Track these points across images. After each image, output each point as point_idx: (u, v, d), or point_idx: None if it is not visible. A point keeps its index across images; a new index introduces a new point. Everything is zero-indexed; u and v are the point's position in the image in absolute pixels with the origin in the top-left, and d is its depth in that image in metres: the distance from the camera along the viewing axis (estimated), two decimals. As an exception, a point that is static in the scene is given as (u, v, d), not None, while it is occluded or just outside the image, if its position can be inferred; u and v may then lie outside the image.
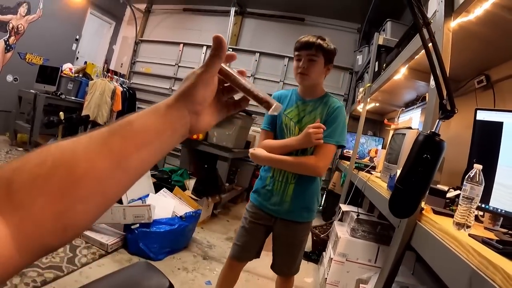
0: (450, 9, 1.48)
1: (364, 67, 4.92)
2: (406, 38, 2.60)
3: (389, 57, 3.30)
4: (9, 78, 6.29)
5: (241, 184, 5.66)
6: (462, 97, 2.60)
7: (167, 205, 3.33)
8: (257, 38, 7.46)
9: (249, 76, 7.02)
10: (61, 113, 4.59)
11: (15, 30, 6.22)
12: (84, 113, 5.68)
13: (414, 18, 1.09)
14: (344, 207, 2.95)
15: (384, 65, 3.43)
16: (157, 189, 3.73)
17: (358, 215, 2.63)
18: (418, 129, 2.26)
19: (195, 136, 4.65)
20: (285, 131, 1.92)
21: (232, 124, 4.59)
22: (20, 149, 5.58)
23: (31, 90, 5.77)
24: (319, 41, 1.86)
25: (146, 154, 0.52)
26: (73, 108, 6.02)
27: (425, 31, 1.01)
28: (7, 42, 6.15)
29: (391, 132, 4.31)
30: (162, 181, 4.14)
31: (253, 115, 5.31)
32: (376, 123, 5.61)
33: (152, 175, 4.19)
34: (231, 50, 6.62)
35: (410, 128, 2.29)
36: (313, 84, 1.92)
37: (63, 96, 5.86)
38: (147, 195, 3.44)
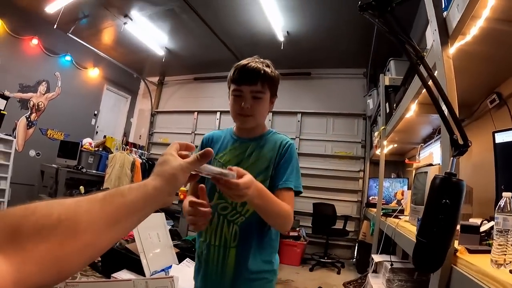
0: (445, 36, 1.43)
1: (376, 110, 4.87)
2: (409, 75, 2.55)
3: (398, 96, 3.25)
4: (32, 153, 6.50)
5: None
6: (478, 120, 2.50)
7: (190, 276, 3.18)
8: None
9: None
10: (81, 187, 4.65)
11: (36, 107, 6.54)
12: (105, 185, 5.77)
13: (407, 57, 1.04)
14: (376, 258, 2.75)
15: (395, 105, 3.37)
16: (180, 259, 3.59)
17: (391, 264, 2.43)
18: (439, 164, 2.13)
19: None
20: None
21: None
22: (44, 221, 5.56)
23: (53, 165, 5.92)
24: (264, 69, 1.41)
25: (134, 219, 0.66)
26: (94, 181, 6.11)
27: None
28: (29, 119, 6.45)
29: (414, 172, 4.16)
30: (185, 251, 3.99)
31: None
32: (398, 164, 5.44)
33: (175, 245, 4.06)
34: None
35: (431, 164, 2.17)
36: (257, 124, 1.51)
37: (84, 170, 5.96)
38: (170, 266, 3.29)
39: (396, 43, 0.94)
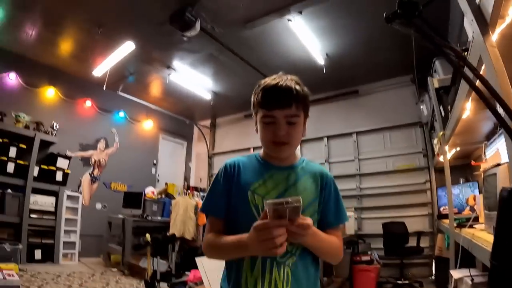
0: (484, 24, 1.31)
1: (431, 115, 4.62)
2: (456, 76, 2.39)
3: (450, 97, 3.05)
4: (98, 206, 6.92)
5: (340, 274, 5.20)
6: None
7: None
8: (320, 123, 7.36)
9: (324, 163, 6.97)
10: (147, 235, 4.75)
11: (98, 163, 7.02)
12: (171, 231, 5.86)
13: (448, 61, 0.95)
14: (455, 274, 2.50)
15: (449, 107, 3.17)
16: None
17: (472, 280, 2.20)
18: (507, 162, 1.94)
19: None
20: (256, 215, 1.19)
21: None
22: (114, 269, 5.73)
23: (119, 215, 6.19)
24: (296, 88, 1.23)
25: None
26: (160, 227, 6.25)
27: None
28: (92, 175, 6.93)
29: (482, 174, 3.84)
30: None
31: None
32: (465, 168, 5.06)
33: None
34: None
35: (498, 165, 1.97)
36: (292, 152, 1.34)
37: (149, 218, 6.20)
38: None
39: (433, 48, 0.85)
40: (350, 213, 5.59)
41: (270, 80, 1.25)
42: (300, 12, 4.53)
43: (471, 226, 2.53)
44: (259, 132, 1.27)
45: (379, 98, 6.87)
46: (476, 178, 4.46)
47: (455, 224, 2.92)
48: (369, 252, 5.36)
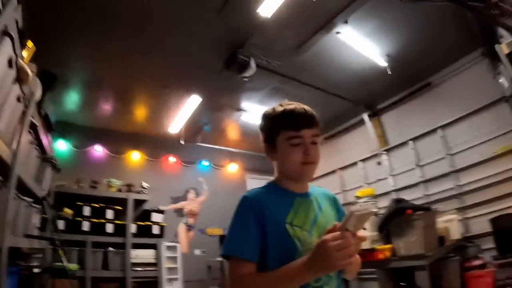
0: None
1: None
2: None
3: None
4: (197, 252, 7.41)
5: (450, 285, 4.78)
6: None
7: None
8: (402, 127, 7.20)
9: (414, 167, 6.64)
10: None
11: (191, 212, 7.59)
12: None
13: None
14: None
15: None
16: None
17: None
18: None
19: (381, 256, 4.37)
20: (302, 249, 1.19)
21: (413, 228, 4.19)
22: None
23: (217, 259, 6.56)
24: (312, 111, 1.35)
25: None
26: None
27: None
28: (187, 223, 7.49)
29: None
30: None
31: (433, 208, 4.80)
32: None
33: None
34: (385, 152, 6.71)
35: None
36: None
37: None
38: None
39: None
40: (452, 216, 5.14)
41: (286, 106, 1.34)
42: (346, 22, 4.63)
43: None
44: (285, 155, 1.30)
45: (454, 84, 6.46)
46: None
47: None
48: (480, 256, 4.92)
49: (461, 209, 5.74)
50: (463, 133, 6.07)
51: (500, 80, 5.15)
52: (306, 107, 1.33)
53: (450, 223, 5.05)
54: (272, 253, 1.19)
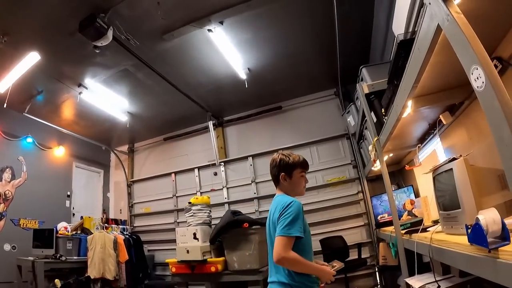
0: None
1: (360, 125, 4.58)
2: (397, 67, 2.26)
3: (385, 100, 2.97)
4: (7, 247, 5.75)
5: None
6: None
7: None
8: (244, 142, 7.28)
9: (250, 183, 6.72)
10: (56, 280, 4.10)
11: (3, 197, 5.91)
12: (89, 271, 5.23)
13: None
14: (414, 283, 2.32)
15: (383, 110, 3.08)
16: None
17: (438, 287, 2.02)
18: (460, 156, 1.81)
19: (213, 269, 4.11)
20: (310, 237, 2.10)
21: (249, 242, 4.06)
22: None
23: (29, 257, 5.28)
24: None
25: None
26: (77, 268, 5.48)
27: None
28: None
29: (421, 177, 3.83)
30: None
31: None
32: (395, 174, 5.12)
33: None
34: (222, 164, 6.36)
35: (453, 159, 1.83)
36: None
37: (63, 258, 5.30)
38: None
39: None
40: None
41: (300, 156, 2.22)
42: (221, 23, 4.30)
43: (424, 230, 2.38)
44: (298, 183, 2.18)
45: (304, 113, 6.88)
46: (410, 183, 4.48)
47: (403, 231, 2.77)
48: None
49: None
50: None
51: (347, 119, 5.45)
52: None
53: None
54: (306, 235, 1.99)
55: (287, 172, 2.15)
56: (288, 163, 2.16)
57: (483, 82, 0.98)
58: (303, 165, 2.18)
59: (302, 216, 1.97)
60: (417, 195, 4.13)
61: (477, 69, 1.00)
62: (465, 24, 1.07)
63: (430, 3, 1.26)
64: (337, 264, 2.15)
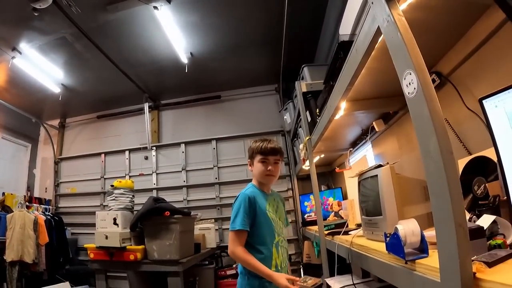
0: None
1: (295, 123, 4.60)
2: (334, 68, 2.24)
3: (320, 100, 2.96)
4: None
5: None
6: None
7: None
8: (178, 128, 7.08)
9: (180, 171, 6.55)
10: None
11: None
12: (7, 253, 4.79)
13: None
14: (333, 284, 2.33)
15: (317, 110, 3.07)
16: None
17: (355, 290, 2.03)
18: (388, 163, 1.82)
19: (132, 257, 3.92)
20: (274, 225, 2.08)
21: (170, 231, 3.91)
22: None
23: None
24: (279, 146, 2.18)
25: None
26: None
27: None
28: None
29: (349, 180, 3.90)
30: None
31: (193, 213, 4.71)
32: (326, 175, 5.23)
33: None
34: (154, 148, 6.13)
35: (380, 165, 1.83)
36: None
37: None
38: None
39: None
40: (210, 225, 5.31)
41: (268, 143, 2.16)
42: (169, 1, 4.09)
43: (346, 233, 2.39)
44: (260, 168, 2.14)
45: (242, 105, 6.84)
46: (339, 185, 4.57)
47: (326, 232, 2.78)
48: (234, 265, 5.10)
49: (218, 220, 6.08)
50: (237, 151, 6.45)
51: (284, 116, 5.46)
52: (278, 146, 2.18)
53: (207, 231, 5.14)
54: (259, 225, 2.03)
55: (250, 158, 2.22)
56: (250, 149, 2.21)
57: (414, 88, 0.95)
58: (263, 151, 2.12)
59: (248, 208, 2.00)
60: (345, 197, 4.22)
61: (410, 74, 0.96)
62: (405, 27, 1.02)
63: (373, 3, 1.21)
64: (311, 281, 1.85)
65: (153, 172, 6.73)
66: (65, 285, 3.37)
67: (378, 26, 1.21)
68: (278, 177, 2.21)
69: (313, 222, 4.64)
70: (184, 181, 6.51)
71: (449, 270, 0.85)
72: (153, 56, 5.43)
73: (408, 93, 0.98)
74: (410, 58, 0.95)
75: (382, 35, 1.19)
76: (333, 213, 3.86)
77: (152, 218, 4.02)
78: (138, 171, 6.84)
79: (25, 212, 5.15)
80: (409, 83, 0.96)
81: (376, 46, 1.42)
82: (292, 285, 1.79)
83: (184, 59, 5.40)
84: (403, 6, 1.19)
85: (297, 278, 1.86)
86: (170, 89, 6.83)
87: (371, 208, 1.91)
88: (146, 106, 6.67)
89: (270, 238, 2.02)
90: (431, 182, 0.92)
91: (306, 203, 5.01)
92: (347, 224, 2.76)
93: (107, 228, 4.12)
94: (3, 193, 6.05)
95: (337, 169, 4.03)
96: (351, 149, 3.54)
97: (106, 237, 4.03)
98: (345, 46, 2.07)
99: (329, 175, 5.15)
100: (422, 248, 1.16)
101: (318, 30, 4.94)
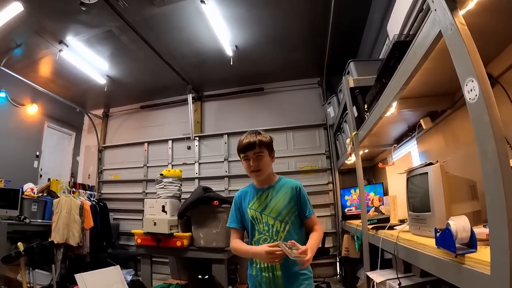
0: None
1: (340, 117, 4.63)
2: (388, 66, 2.29)
3: (369, 96, 3.00)
4: None
5: (245, 280, 4.95)
6: (463, 108, 2.24)
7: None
8: (221, 119, 7.24)
9: (223, 161, 6.74)
10: (19, 243, 3.96)
11: None
12: (53, 236, 5.05)
13: None
14: (376, 277, 2.40)
15: (366, 106, 3.12)
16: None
17: (400, 284, 2.10)
18: (437, 161, 1.86)
19: (179, 244, 4.11)
20: (255, 223, 2.01)
21: (217, 220, 4.06)
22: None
23: None
24: (258, 138, 2.00)
25: None
26: (41, 232, 5.29)
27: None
28: None
29: (392, 176, 3.93)
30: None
31: None
32: (367, 170, 5.22)
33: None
34: (197, 138, 6.30)
35: (430, 163, 1.88)
36: (267, 175, 2.06)
37: (27, 221, 5.07)
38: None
39: None
40: None
41: (243, 139, 2.04)
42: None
43: (391, 228, 2.46)
44: (244, 166, 2.05)
45: (285, 97, 6.90)
46: (380, 180, 4.59)
47: (370, 226, 2.85)
48: None
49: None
50: (279, 143, 6.41)
51: (327, 110, 5.49)
52: (254, 139, 1.99)
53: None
54: (246, 223, 2.04)
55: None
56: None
57: (476, 95, 1.01)
58: (240, 149, 2.04)
59: (234, 206, 2.12)
60: (385, 193, 4.24)
61: (472, 81, 1.03)
62: (468, 37, 1.08)
63: (436, 10, 1.27)
64: (296, 252, 1.67)
65: (195, 162, 6.92)
66: (116, 269, 3.58)
67: (440, 31, 1.27)
68: (265, 170, 2.02)
69: (353, 216, 4.69)
70: (226, 171, 6.66)
71: (500, 264, 0.93)
72: (197, 48, 5.57)
73: (470, 98, 1.05)
74: (473, 67, 1.02)
75: (442, 39, 1.25)
76: (373, 208, 3.90)
77: (200, 206, 4.18)
78: (181, 160, 7.06)
79: (71, 197, 5.44)
80: (471, 90, 1.03)
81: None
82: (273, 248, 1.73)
83: (229, 51, 5.52)
84: (463, 12, 1.23)
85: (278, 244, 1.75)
86: (213, 81, 6.97)
87: (419, 204, 1.97)
88: (189, 97, 6.84)
89: (253, 236, 2.00)
90: (487, 181, 0.99)
91: (346, 197, 5.03)
92: (387, 219, 2.82)
93: (156, 215, 4.32)
94: (49, 179, 6.41)
95: (380, 165, 4.07)
96: (395, 145, 3.55)
97: (155, 224, 4.23)
98: (400, 46, 2.11)
99: (370, 170, 5.16)
100: (471, 244, 1.22)
101: (363, 25, 4.92)
